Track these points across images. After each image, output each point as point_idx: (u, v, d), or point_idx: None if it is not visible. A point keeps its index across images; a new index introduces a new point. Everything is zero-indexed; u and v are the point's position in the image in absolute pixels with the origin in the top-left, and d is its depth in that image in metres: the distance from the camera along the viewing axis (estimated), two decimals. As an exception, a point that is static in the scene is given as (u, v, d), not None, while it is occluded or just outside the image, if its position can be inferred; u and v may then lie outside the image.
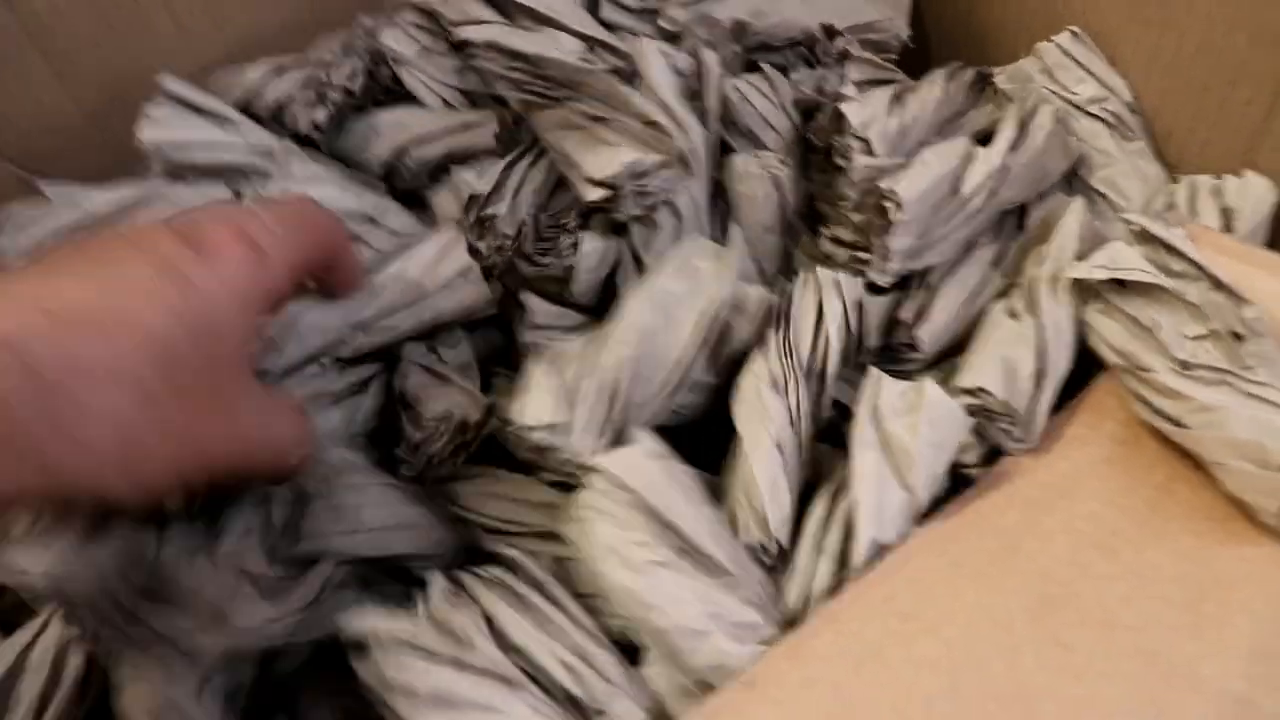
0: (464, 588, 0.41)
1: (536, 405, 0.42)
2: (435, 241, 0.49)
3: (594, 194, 0.46)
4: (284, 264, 0.41)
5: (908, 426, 0.41)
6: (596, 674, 0.39)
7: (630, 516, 0.40)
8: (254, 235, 0.40)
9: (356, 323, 0.47)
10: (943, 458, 0.42)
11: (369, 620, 0.39)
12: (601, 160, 0.46)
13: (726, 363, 0.46)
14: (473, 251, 0.50)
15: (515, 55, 0.50)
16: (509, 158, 0.53)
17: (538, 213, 0.49)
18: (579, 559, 0.41)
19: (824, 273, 0.46)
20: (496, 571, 0.41)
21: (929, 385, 0.42)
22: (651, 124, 0.47)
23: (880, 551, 0.40)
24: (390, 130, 0.58)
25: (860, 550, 0.40)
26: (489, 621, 0.40)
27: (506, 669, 0.39)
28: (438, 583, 0.41)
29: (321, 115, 0.57)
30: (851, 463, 0.42)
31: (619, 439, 0.43)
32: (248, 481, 0.44)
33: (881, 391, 0.43)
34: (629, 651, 0.41)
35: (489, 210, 0.50)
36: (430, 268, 0.49)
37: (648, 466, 0.41)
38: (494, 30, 0.51)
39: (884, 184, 0.45)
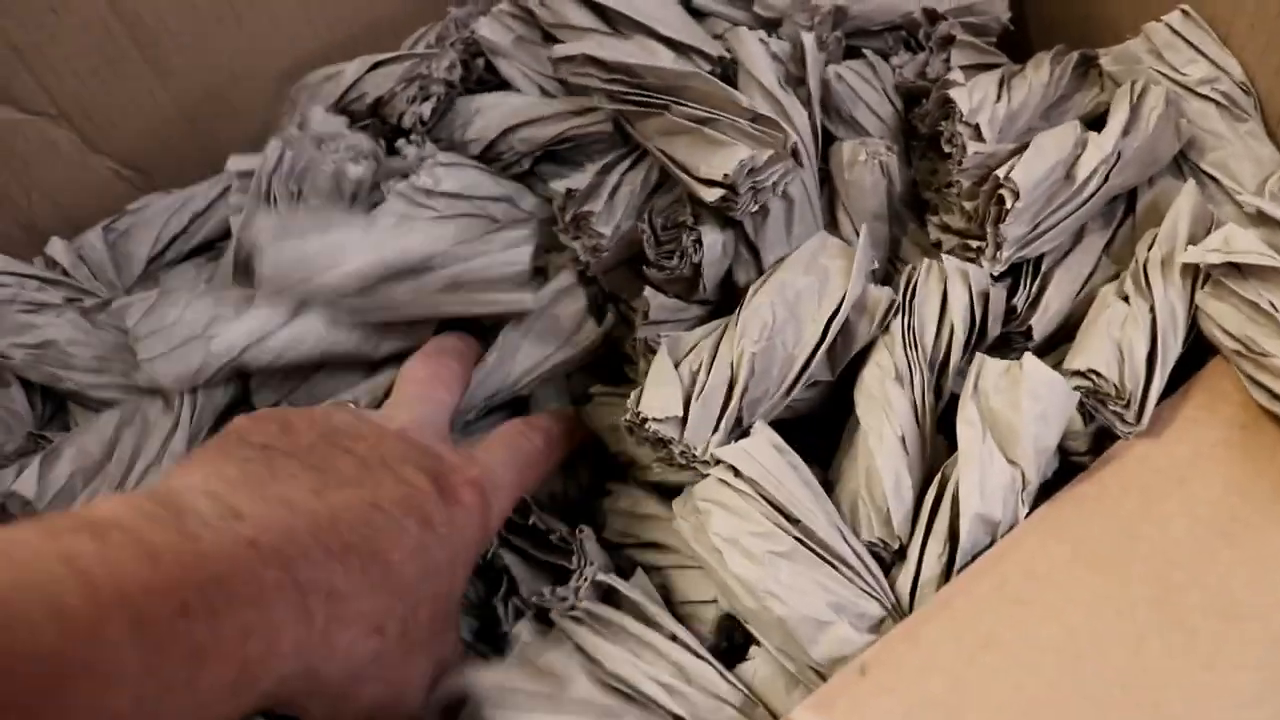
0: (560, 629, 0.43)
1: (659, 397, 0.42)
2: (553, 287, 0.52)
3: (712, 194, 0.46)
4: (502, 513, 0.43)
5: (1010, 402, 0.42)
6: (698, 689, 0.40)
7: (750, 507, 0.41)
8: (486, 494, 0.40)
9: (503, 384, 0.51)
10: (1050, 431, 0.42)
11: (465, 675, 0.40)
12: (715, 160, 0.46)
13: (845, 359, 0.46)
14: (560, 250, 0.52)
15: (611, 67, 0.50)
16: (607, 159, 0.53)
17: (652, 217, 0.49)
18: (695, 550, 0.42)
19: (950, 261, 0.46)
20: (586, 605, 0.42)
21: (1029, 359, 0.42)
22: (759, 118, 0.47)
23: (988, 528, 0.41)
24: (496, 111, 0.58)
25: (966, 527, 0.40)
26: (584, 653, 0.41)
27: (605, 700, 0.40)
28: (525, 626, 0.43)
29: (426, 109, 0.58)
30: (958, 437, 0.42)
31: (737, 432, 0.43)
32: None
33: (984, 371, 0.43)
34: (727, 655, 0.42)
35: (586, 208, 0.51)
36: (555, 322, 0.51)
37: (768, 458, 0.41)
38: (588, 43, 0.51)
39: (999, 171, 0.45)
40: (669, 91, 0.49)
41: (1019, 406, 0.41)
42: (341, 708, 0.35)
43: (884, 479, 0.41)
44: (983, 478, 0.40)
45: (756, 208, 0.47)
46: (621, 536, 0.49)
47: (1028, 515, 0.41)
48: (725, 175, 0.45)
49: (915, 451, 0.43)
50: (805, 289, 0.45)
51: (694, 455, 0.42)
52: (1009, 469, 0.41)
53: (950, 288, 0.45)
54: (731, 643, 0.45)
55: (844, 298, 0.44)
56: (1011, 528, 0.41)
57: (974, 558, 0.41)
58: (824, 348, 0.45)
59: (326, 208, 0.53)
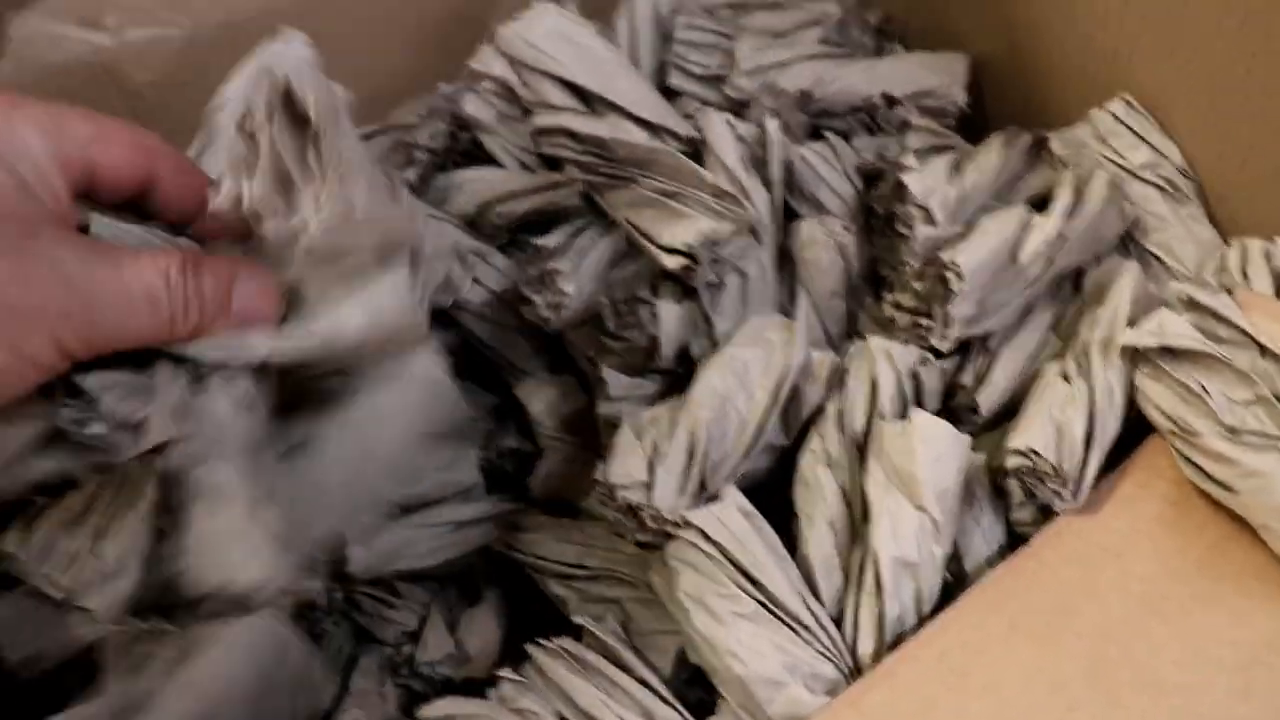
0: (533, 661, 0.45)
1: (625, 466, 0.45)
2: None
3: (673, 262, 0.49)
4: (56, 124, 0.36)
5: (905, 453, 0.44)
6: None
7: (716, 569, 0.43)
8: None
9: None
10: (946, 472, 0.44)
11: (444, 706, 0.43)
12: (678, 230, 0.49)
13: (797, 425, 0.49)
14: (526, 301, 0.54)
15: (585, 139, 0.52)
16: (579, 223, 0.56)
17: (611, 291, 0.52)
18: (666, 605, 0.44)
19: (875, 342, 0.48)
20: (564, 642, 0.45)
21: (916, 413, 0.45)
22: (722, 194, 0.50)
23: (909, 570, 0.43)
24: (474, 186, 0.61)
25: (887, 573, 0.42)
26: (560, 692, 0.43)
27: None
28: (507, 672, 0.45)
29: (412, 174, 0.61)
30: (868, 500, 0.45)
31: (700, 495, 0.46)
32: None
33: (883, 433, 0.46)
34: (694, 706, 0.44)
35: (552, 265, 0.53)
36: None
37: (735, 523, 0.44)
38: (564, 117, 0.54)
39: (945, 255, 0.48)
40: (638, 165, 0.52)
41: (914, 455, 0.44)
42: None
43: (814, 563, 0.44)
44: (894, 525, 0.43)
45: (715, 279, 0.49)
46: (571, 568, 0.51)
47: (942, 554, 0.44)
48: (687, 244, 0.48)
49: (843, 532, 0.45)
50: (752, 359, 0.48)
51: (663, 518, 0.44)
52: (916, 514, 0.43)
53: (878, 369, 0.47)
54: (697, 683, 0.47)
55: (788, 364, 0.47)
56: (933, 569, 0.44)
57: (902, 605, 0.43)
58: (775, 411, 0.47)
59: None
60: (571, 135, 0.53)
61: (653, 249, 0.50)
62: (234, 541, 0.37)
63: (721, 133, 0.54)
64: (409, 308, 0.40)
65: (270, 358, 0.38)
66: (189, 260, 0.36)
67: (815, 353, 0.49)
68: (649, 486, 0.45)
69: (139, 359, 0.36)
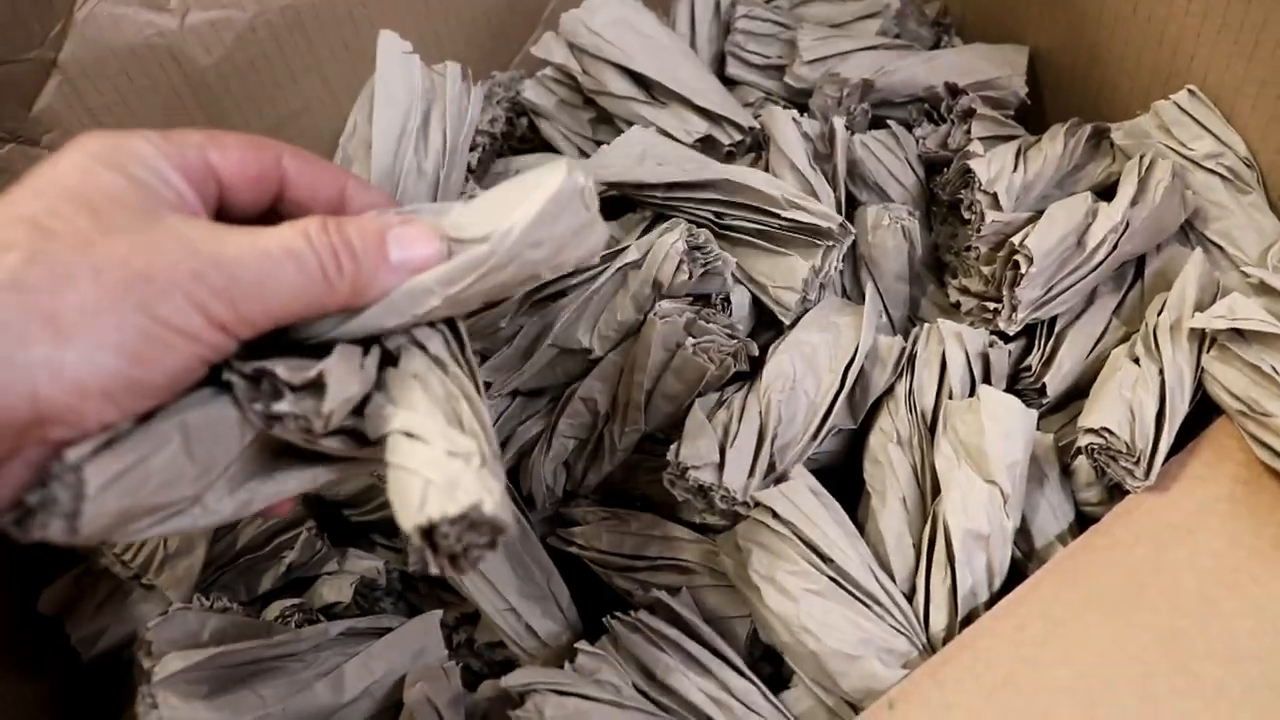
0: (610, 633, 0.45)
1: (696, 448, 0.46)
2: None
3: (791, 300, 0.50)
4: (177, 137, 0.34)
5: (974, 428, 0.45)
6: (741, 704, 0.43)
7: (787, 547, 0.43)
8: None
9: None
10: (1015, 446, 0.45)
11: (526, 675, 0.43)
12: (779, 275, 0.51)
13: (864, 408, 0.49)
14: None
15: (642, 187, 0.53)
16: (644, 213, 0.57)
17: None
18: (738, 585, 0.45)
19: (946, 324, 0.49)
20: (641, 615, 0.45)
21: (984, 389, 0.46)
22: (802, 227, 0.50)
23: (979, 541, 0.44)
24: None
25: (959, 543, 0.43)
26: (638, 664, 0.44)
27: (653, 711, 0.43)
28: (584, 644, 0.46)
29: (474, 158, 0.61)
30: (938, 475, 0.46)
31: (769, 476, 0.46)
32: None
33: (950, 410, 0.47)
34: (766, 681, 0.45)
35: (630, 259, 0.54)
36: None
37: (804, 501, 0.44)
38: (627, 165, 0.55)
39: (1015, 238, 0.48)
40: (709, 187, 0.52)
41: (982, 430, 0.45)
42: (71, 337, 0.28)
43: (886, 539, 0.45)
44: (964, 498, 0.44)
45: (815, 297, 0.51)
46: (629, 559, 0.51)
47: (1012, 526, 0.45)
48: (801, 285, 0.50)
49: (915, 509, 0.46)
50: (820, 344, 0.48)
51: (733, 499, 0.45)
52: (986, 487, 0.44)
53: (948, 350, 0.48)
54: (767, 659, 0.48)
55: (857, 349, 0.48)
56: (1003, 540, 0.44)
57: (974, 577, 0.44)
58: (843, 395, 0.48)
59: None
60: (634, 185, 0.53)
61: (768, 296, 0.51)
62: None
63: (788, 131, 0.55)
64: (574, 197, 0.33)
65: (449, 293, 0.33)
66: (329, 219, 0.33)
67: (882, 337, 0.50)
68: (720, 467, 0.45)
69: (320, 350, 0.33)
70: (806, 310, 0.51)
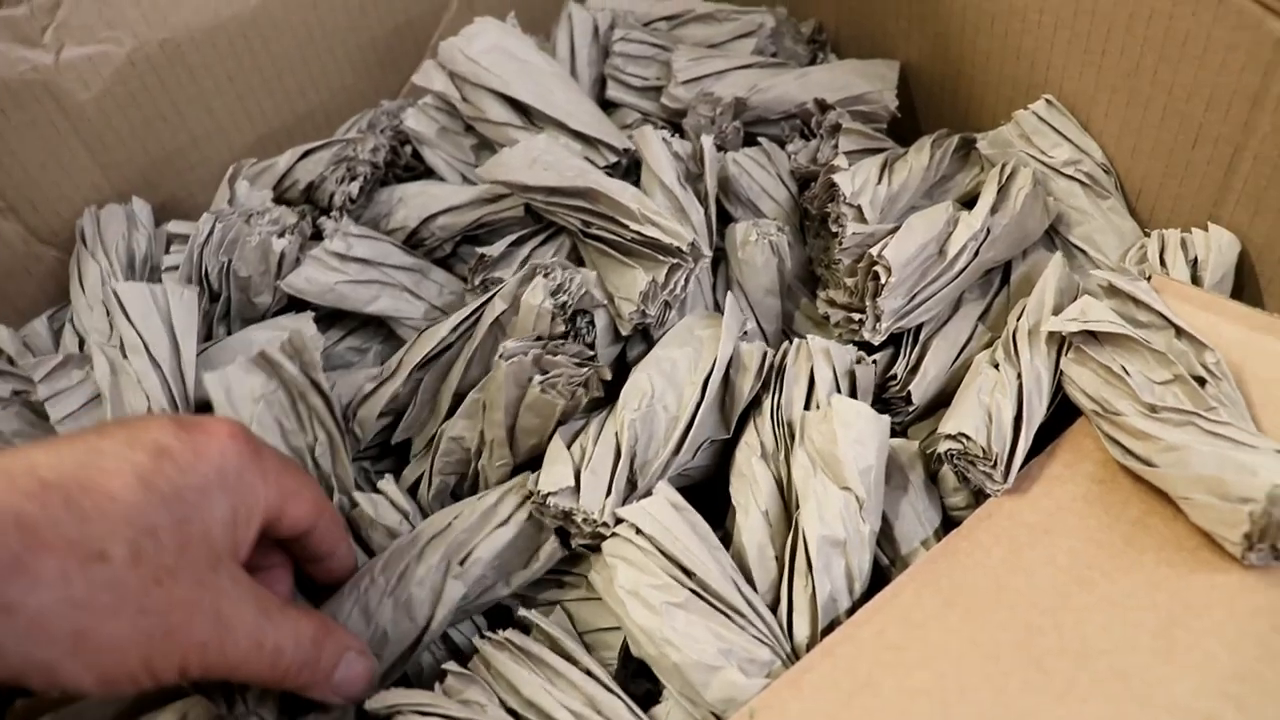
0: (479, 653, 0.45)
1: (552, 474, 0.46)
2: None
3: (628, 310, 0.51)
4: (277, 480, 0.40)
5: (827, 437, 0.46)
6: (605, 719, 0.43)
7: (649, 561, 0.44)
8: (251, 437, 0.39)
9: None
10: (867, 452, 0.46)
11: (392, 697, 0.43)
12: (624, 284, 0.52)
13: (736, 417, 0.50)
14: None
15: (531, 188, 0.55)
16: (520, 234, 0.57)
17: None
18: (606, 600, 0.45)
19: (815, 340, 0.50)
20: (511, 634, 0.46)
21: (836, 398, 0.47)
22: (652, 244, 0.51)
23: (837, 548, 0.44)
24: (417, 199, 0.62)
25: (815, 550, 0.44)
26: (507, 683, 0.44)
27: None
28: (452, 666, 0.45)
29: (354, 188, 0.62)
30: (795, 485, 0.46)
31: (631, 494, 0.47)
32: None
33: (805, 421, 0.47)
34: (641, 698, 0.45)
35: (496, 274, 0.54)
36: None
37: (666, 516, 0.45)
38: (515, 168, 0.56)
39: (874, 249, 0.49)
40: (579, 195, 0.53)
41: (835, 437, 0.45)
42: (84, 650, 0.32)
43: (748, 551, 0.45)
44: (820, 505, 0.45)
45: (658, 317, 0.51)
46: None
47: (870, 531, 0.45)
48: (639, 295, 0.51)
49: (778, 521, 0.47)
50: (680, 358, 0.49)
51: (593, 520, 0.45)
52: (841, 493, 0.45)
53: (816, 366, 0.49)
54: (644, 675, 0.48)
55: (715, 357, 0.48)
56: (860, 545, 0.45)
57: (833, 584, 0.44)
58: (705, 405, 0.48)
59: None
60: (519, 186, 0.55)
61: (612, 306, 0.52)
62: None
63: (658, 151, 0.55)
64: None
65: None
66: (322, 630, 0.41)
67: (744, 344, 0.50)
68: (576, 491, 0.46)
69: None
70: (645, 324, 0.51)
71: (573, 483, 0.46)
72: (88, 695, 0.35)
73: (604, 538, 0.46)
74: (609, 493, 0.45)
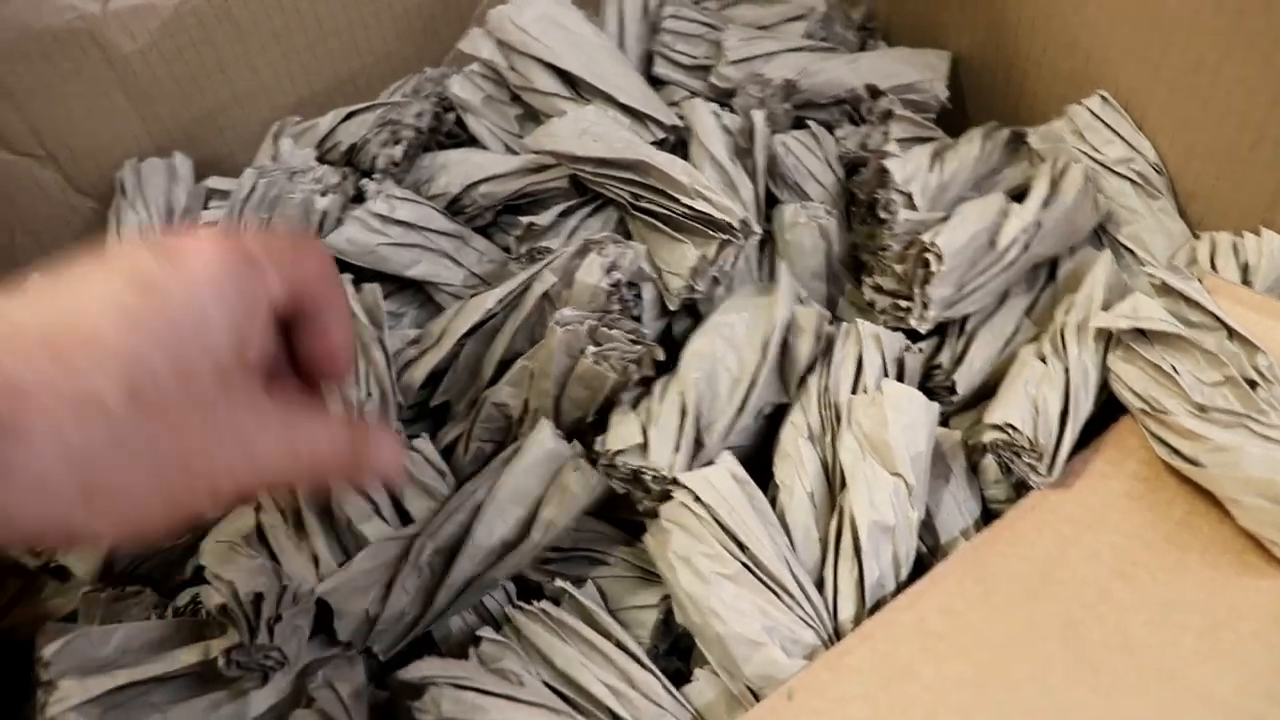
0: (513, 624, 0.45)
1: (620, 433, 0.46)
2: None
3: (677, 284, 0.51)
4: (277, 265, 0.36)
5: (877, 421, 0.46)
6: (641, 695, 0.43)
7: (705, 530, 0.44)
8: (237, 239, 0.35)
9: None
10: (918, 438, 0.46)
11: (424, 667, 0.43)
12: (674, 260, 0.52)
13: (795, 378, 0.50)
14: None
15: (575, 160, 0.54)
16: (568, 204, 0.57)
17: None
18: (657, 564, 0.45)
19: (865, 326, 0.49)
20: (545, 605, 0.45)
21: (887, 382, 0.47)
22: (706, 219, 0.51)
23: (885, 533, 0.44)
24: (460, 167, 0.62)
25: (865, 535, 0.44)
26: (537, 652, 0.44)
27: (554, 702, 0.43)
28: (487, 632, 0.45)
29: (398, 152, 0.61)
30: (843, 468, 0.46)
31: (697, 454, 0.47)
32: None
33: (853, 405, 0.47)
34: (672, 676, 0.45)
35: (544, 243, 0.54)
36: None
37: (725, 487, 0.45)
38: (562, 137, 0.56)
39: (926, 237, 0.49)
40: (629, 167, 0.53)
41: (885, 422, 0.45)
42: (96, 502, 0.30)
43: (793, 533, 0.45)
44: (870, 490, 0.44)
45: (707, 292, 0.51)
46: (543, 550, 0.51)
47: (917, 518, 0.45)
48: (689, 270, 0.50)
49: (822, 503, 0.46)
50: (738, 323, 0.49)
51: (662, 476, 0.46)
52: (891, 479, 0.45)
53: (865, 351, 0.49)
54: (675, 653, 0.48)
55: (773, 320, 0.49)
56: (908, 532, 0.45)
57: (880, 569, 0.44)
58: (767, 366, 0.48)
59: None
60: (567, 156, 0.54)
61: (660, 280, 0.52)
62: None
63: (708, 123, 0.55)
64: None
65: None
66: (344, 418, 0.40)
67: (800, 308, 0.50)
68: (644, 447, 0.46)
69: None
70: (694, 300, 0.51)
71: (640, 439, 0.46)
72: (114, 545, 0.34)
73: (670, 498, 0.46)
74: (676, 449, 0.45)
